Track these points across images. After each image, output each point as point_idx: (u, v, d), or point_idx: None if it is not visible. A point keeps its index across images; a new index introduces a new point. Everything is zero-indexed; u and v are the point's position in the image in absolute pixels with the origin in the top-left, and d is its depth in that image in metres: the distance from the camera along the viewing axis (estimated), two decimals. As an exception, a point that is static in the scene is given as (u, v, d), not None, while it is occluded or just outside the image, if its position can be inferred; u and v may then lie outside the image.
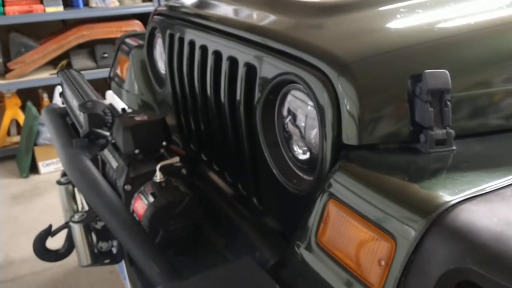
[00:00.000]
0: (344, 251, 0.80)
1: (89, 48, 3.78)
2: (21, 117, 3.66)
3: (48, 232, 1.25)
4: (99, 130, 1.30)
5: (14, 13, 3.42)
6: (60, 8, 3.52)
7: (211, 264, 1.20)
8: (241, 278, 0.97)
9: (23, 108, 3.66)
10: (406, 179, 0.78)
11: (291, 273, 0.95)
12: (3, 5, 3.40)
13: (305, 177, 1.04)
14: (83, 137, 1.30)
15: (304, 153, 1.05)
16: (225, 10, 1.37)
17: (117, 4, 3.72)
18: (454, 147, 0.84)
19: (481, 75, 0.92)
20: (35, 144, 3.44)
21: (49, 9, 3.49)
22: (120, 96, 1.97)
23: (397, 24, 1.02)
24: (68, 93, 1.46)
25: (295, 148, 1.07)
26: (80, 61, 3.74)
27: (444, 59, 0.90)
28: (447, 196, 0.69)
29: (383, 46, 0.92)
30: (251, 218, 1.23)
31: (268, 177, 1.12)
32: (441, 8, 1.05)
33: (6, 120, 3.66)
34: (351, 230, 0.79)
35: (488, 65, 0.92)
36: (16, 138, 3.71)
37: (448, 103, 0.84)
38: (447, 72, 0.84)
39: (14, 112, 3.67)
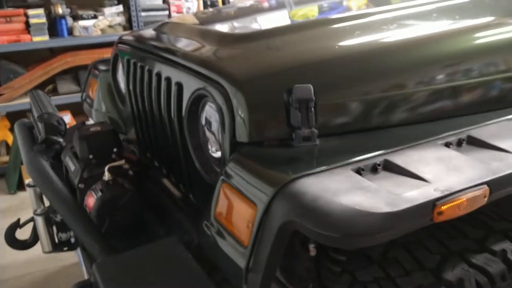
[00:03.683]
0: (230, 221, 1.06)
1: (73, 73, 4.06)
2: (10, 138, 3.91)
3: (17, 224, 1.50)
4: (54, 137, 1.55)
5: (3, 42, 3.70)
6: (46, 37, 3.80)
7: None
8: (164, 252, 1.22)
9: (12, 130, 3.91)
10: (273, 165, 1.04)
11: (202, 247, 1.20)
12: (-7, 35, 3.70)
13: (219, 170, 1.29)
14: (41, 143, 1.56)
15: (217, 152, 1.31)
16: (163, 39, 1.66)
17: (99, 33, 4.01)
18: (317, 143, 1.10)
19: (346, 89, 1.19)
20: (22, 163, 3.68)
21: (36, 38, 3.77)
22: (90, 114, 2.23)
23: (285, 50, 1.29)
24: (34, 109, 1.72)
25: (212, 148, 1.33)
26: (65, 86, 4.02)
27: (313, 77, 1.16)
28: (292, 174, 0.95)
29: (270, 68, 1.20)
30: (187, 210, 1.49)
31: (196, 174, 1.38)
32: (325, 39, 1.32)
33: (-4, 141, 3.92)
34: (234, 204, 1.05)
35: (350, 81, 1.19)
36: (6, 158, 3.94)
37: (312, 109, 1.10)
38: (311, 86, 1.10)
39: (3, 133, 3.92)
